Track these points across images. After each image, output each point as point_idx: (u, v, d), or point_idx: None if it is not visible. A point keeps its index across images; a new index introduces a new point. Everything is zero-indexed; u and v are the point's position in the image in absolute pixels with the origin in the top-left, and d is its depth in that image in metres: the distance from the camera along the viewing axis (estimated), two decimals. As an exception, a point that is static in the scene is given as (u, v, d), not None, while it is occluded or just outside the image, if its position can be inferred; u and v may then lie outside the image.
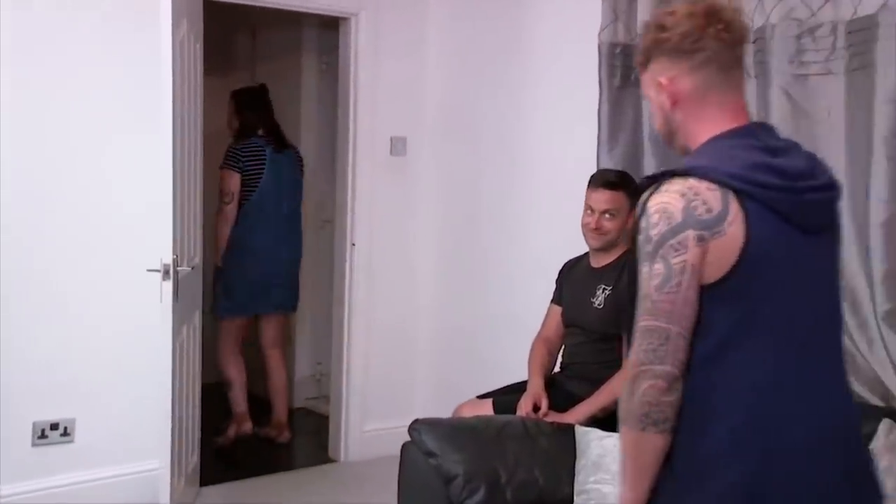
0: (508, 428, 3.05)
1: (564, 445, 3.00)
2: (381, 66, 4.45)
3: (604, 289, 3.19)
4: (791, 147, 1.73)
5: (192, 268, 3.67)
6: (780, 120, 2.99)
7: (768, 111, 3.03)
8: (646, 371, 1.57)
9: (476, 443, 2.95)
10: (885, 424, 2.50)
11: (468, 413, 3.27)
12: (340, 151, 4.52)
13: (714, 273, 1.56)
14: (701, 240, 1.55)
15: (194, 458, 3.87)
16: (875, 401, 2.78)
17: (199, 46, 3.83)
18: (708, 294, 1.57)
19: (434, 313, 4.60)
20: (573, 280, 3.38)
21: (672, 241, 1.56)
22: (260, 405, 4.86)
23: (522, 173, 4.18)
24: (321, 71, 5.37)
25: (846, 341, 2.85)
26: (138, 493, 3.72)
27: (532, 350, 3.43)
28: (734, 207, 1.56)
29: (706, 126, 1.68)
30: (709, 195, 1.56)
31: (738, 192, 1.57)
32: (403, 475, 3.05)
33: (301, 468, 4.52)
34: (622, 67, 3.50)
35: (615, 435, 2.92)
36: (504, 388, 3.40)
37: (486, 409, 3.28)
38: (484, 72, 4.40)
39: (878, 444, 2.44)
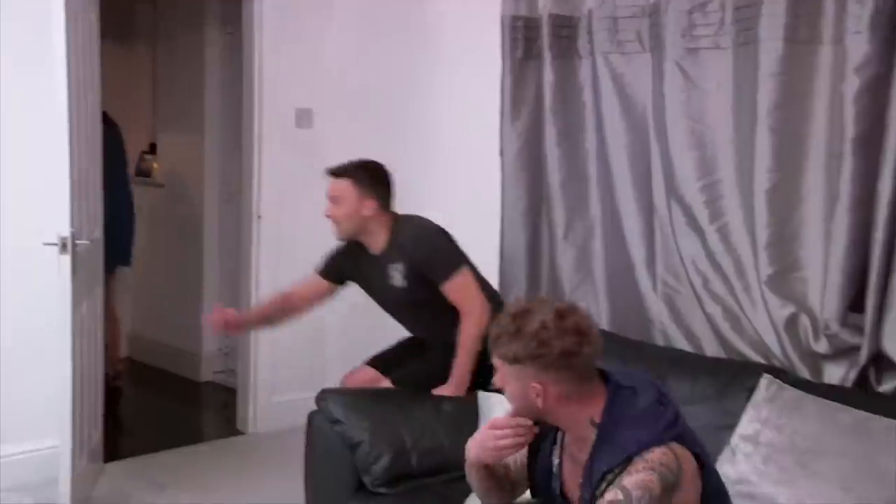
0: (412, 396, 3.11)
1: (468, 410, 3.08)
2: (285, 38, 4.44)
3: (395, 268, 3.22)
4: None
5: (92, 241, 3.63)
6: (673, 92, 3.11)
7: (662, 84, 3.14)
8: None
9: (381, 410, 3.01)
10: (765, 379, 2.66)
11: (357, 381, 3.37)
12: (245, 124, 4.51)
13: None
14: None
15: (97, 435, 3.85)
16: (758, 359, 2.93)
17: (95, 17, 3.76)
18: None
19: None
20: (361, 266, 3.35)
21: None
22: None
23: (428, 146, 4.24)
24: (225, 41, 5.32)
25: (732, 304, 3.02)
26: (40, 471, 3.67)
27: (271, 298, 3.59)
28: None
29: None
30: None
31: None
32: (310, 444, 3.09)
33: (208, 441, 4.54)
34: (524, 40, 3.54)
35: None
36: (388, 350, 3.48)
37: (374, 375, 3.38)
38: (389, 44, 4.43)
39: (758, 398, 2.60)
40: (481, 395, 3.11)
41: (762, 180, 2.90)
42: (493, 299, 3.27)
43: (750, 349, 2.97)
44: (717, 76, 3.03)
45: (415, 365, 3.33)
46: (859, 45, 2.62)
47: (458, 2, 4.03)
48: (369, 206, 3.20)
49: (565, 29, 3.44)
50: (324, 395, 3.06)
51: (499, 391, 3.03)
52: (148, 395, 5.45)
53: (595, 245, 3.45)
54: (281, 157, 4.48)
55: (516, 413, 2.05)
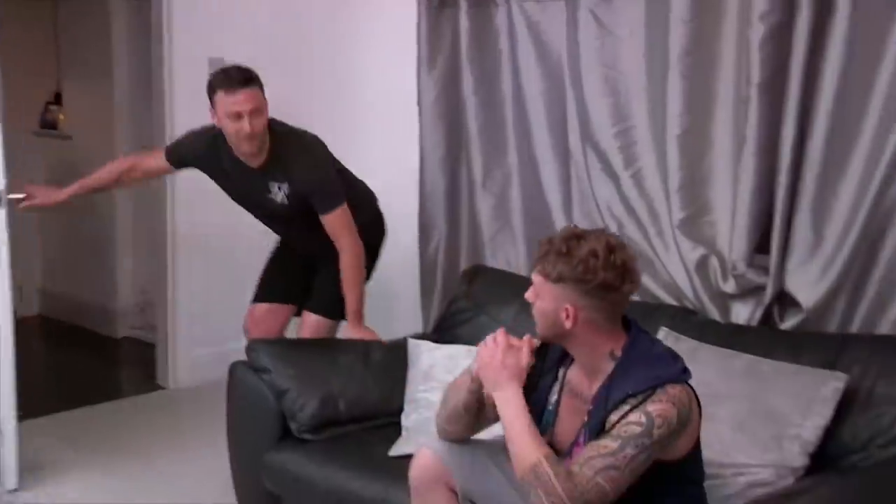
0: (342, 345, 3.15)
1: (396, 358, 3.12)
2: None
3: (279, 186, 3.14)
4: None
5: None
6: (588, 39, 3.15)
7: (577, 31, 3.17)
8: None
9: (309, 358, 3.04)
10: (662, 331, 2.74)
11: (261, 321, 3.43)
12: (155, 72, 4.40)
13: None
14: None
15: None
16: (670, 300, 3.03)
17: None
18: None
19: (260, 236, 4.61)
20: (230, 177, 3.25)
21: None
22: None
23: (346, 94, 4.21)
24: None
25: (646, 247, 3.10)
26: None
27: (109, 165, 3.51)
28: None
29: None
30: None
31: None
32: (232, 394, 3.09)
33: (128, 396, 4.50)
34: None
35: (445, 347, 3.09)
36: (271, 278, 3.53)
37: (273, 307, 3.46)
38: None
39: None
40: (411, 342, 3.15)
41: (674, 125, 2.96)
42: (377, 224, 3.38)
43: (663, 291, 3.06)
44: (629, 23, 3.07)
45: (322, 285, 3.35)
46: (763, -8, 2.69)
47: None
48: (267, 113, 3.09)
49: (481, -24, 3.46)
50: (252, 345, 3.07)
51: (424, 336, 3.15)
52: (62, 353, 5.32)
53: (513, 191, 3.50)
54: (192, 107, 4.39)
55: (539, 330, 2.07)
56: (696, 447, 2.05)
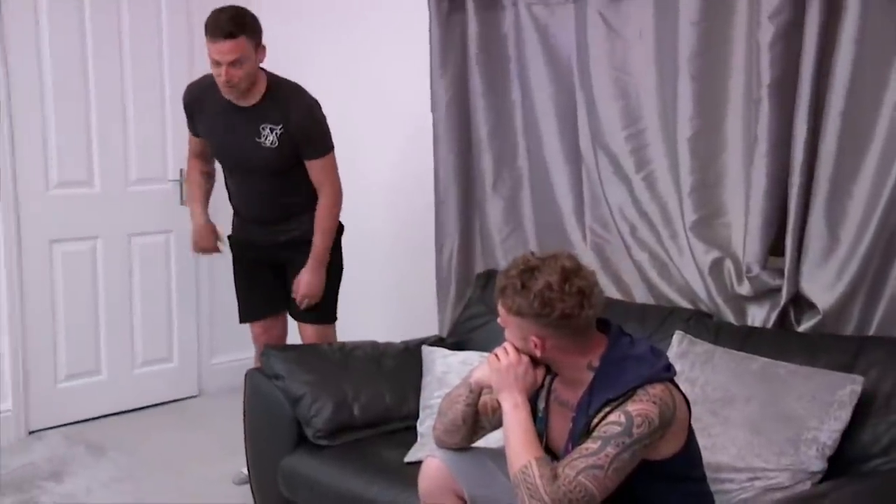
0: (354, 352, 3.16)
1: (410, 365, 3.15)
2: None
3: (271, 128, 3.16)
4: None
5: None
6: (597, 42, 3.13)
7: (586, 34, 3.16)
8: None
9: (322, 365, 3.05)
10: (677, 335, 2.74)
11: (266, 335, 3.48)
12: None
13: None
14: None
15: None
16: (684, 304, 3.01)
17: None
18: None
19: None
20: (216, 121, 3.28)
21: None
22: None
23: (364, 99, 4.19)
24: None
25: (659, 251, 3.09)
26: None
27: (189, 174, 3.56)
28: None
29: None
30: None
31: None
32: (249, 401, 3.12)
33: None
34: None
35: (459, 353, 3.11)
36: (249, 297, 3.52)
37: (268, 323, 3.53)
38: (316, 9, 4.36)
39: (671, 353, 2.66)
40: (425, 349, 3.17)
41: (685, 128, 2.95)
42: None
43: (677, 294, 3.05)
44: (638, 25, 3.06)
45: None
46: (772, -7, 2.67)
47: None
48: (262, 57, 3.14)
49: (488, -21, 3.44)
50: (266, 352, 3.11)
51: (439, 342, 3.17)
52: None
53: (523, 195, 3.49)
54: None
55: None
56: (689, 445, 2.05)
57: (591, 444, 1.92)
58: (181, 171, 4.10)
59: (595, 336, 2.07)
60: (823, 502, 2.12)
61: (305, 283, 3.32)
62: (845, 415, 2.35)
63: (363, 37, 4.13)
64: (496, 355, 2.09)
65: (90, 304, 4.21)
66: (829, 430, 2.34)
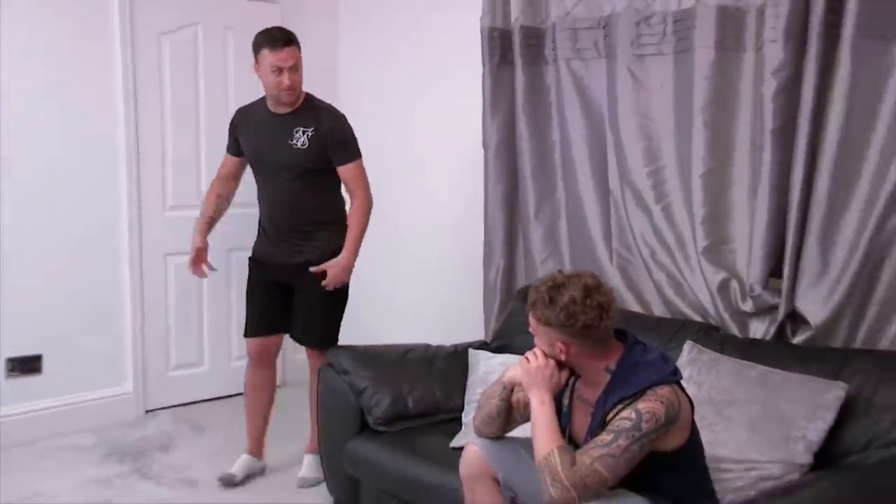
0: (410, 353, 3.20)
1: (458, 365, 3.17)
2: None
3: (303, 131, 3.13)
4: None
5: None
6: (625, 92, 3.16)
7: (615, 85, 3.19)
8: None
9: (382, 363, 3.09)
10: (687, 345, 2.74)
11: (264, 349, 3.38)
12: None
13: None
14: None
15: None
16: (695, 317, 3.02)
17: None
18: None
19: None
20: (257, 129, 3.24)
21: None
22: None
23: (423, 143, 4.25)
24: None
25: (674, 271, 3.10)
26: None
27: (207, 195, 3.42)
28: None
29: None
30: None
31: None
32: (321, 393, 3.18)
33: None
34: (500, 48, 3.56)
35: (500, 356, 3.12)
36: (256, 313, 3.39)
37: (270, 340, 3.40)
38: (390, 59, 4.45)
39: (682, 360, 2.67)
40: (471, 352, 3.20)
41: (698, 166, 2.96)
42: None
43: (690, 309, 3.05)
44: (660, 78, 3.07)
45: (307, 316, 3.27)
46: (775, 53, 2.68)
47: (447, 17, 4.05)
48: (302, 69, 3.12)
49: (533, 39, 3.47)
50: (335, 352, 3.14)
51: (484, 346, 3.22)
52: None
53: (561, 223, 3.50)
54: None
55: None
56: (692, 439, 2.07)
57: (605, 437, 1.94)
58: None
59: (613, 344, 2.09)
60: (805, 490, 2.12)
61: (335, 264, 3.18)
62: (830, 416, 2.35)
63: (429, 84, 4.20)
64: (527, 358, 2.13)
65: (196, 308, 4.34)
66: (817, 429, 2.34)
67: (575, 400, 2.19)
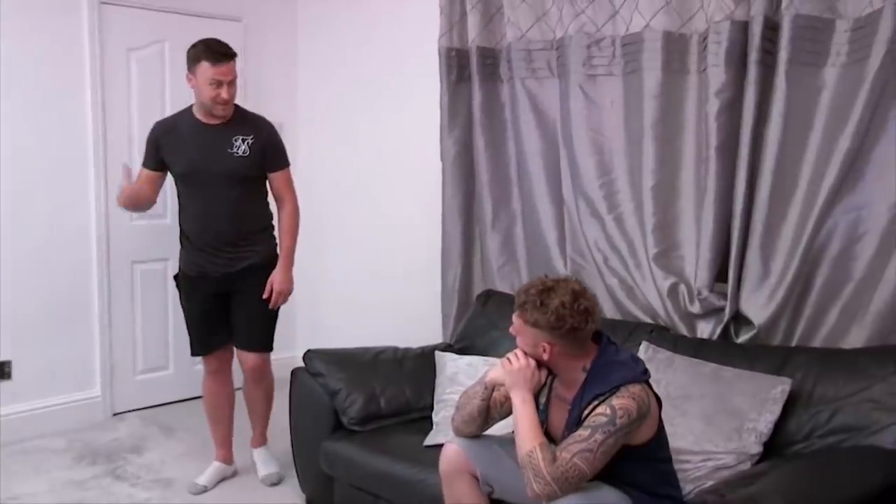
0: (381, 355, 3.17)
1: (426, 366, 3.16)
2: (262, 68, 4.42)
3: (243, 139, 3.05)
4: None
5: None
6: (577, 109, 3.17)
7: (568, 103, 3.20)
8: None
9: (354, 365, 3.06)
10: (643, 344, 2.78)
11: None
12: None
13: None
14: None
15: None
16: (647, 320, 3.05)
17: None
18: None
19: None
20: (190, 141, 3.07)
21: None
22: None
23: (383, 154, 4.21)
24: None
25: (626, 277, 3.14)
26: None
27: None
28: None
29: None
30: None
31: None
32: (294, 393, 3.13)
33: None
34: (457, 67, 3.55)
35: (465, 357, 3.11)
36: (201, 331, 3.26)
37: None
38: (350, 74, 4.40)
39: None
40: (438, 354, 3.18)
41: (648, 178, 2.99)
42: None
43: (641, 312, 3.08)
44: (611, 96, 3.09)
45: (246, 322, 3.19)
46: (717, 75, 2.73)
47: (406, 35, 4.03)
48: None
49: (489, 59, 3.48)
50: (309, 354, 3.09)
51: (449, 347, 3.20)
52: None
53: (517, 231, 3.51)
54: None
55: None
56: (659, 433, 2.10)
57: (582, 432, 1.96)
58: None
59: (590, 344, 2.11)
60: (764, 479, 2.15)
61: (279, 281, 3.12)
62: (778, 409, 2.40)
63: (388, 99, 4.16)
64: (508, 360, 2.13)
65: (162, 313, 4.23)
66: (765, 421, 2.39)
67: (552, 398, 2.20)
